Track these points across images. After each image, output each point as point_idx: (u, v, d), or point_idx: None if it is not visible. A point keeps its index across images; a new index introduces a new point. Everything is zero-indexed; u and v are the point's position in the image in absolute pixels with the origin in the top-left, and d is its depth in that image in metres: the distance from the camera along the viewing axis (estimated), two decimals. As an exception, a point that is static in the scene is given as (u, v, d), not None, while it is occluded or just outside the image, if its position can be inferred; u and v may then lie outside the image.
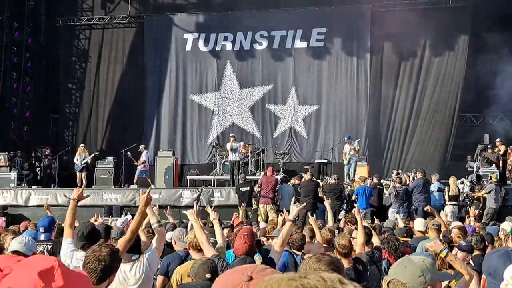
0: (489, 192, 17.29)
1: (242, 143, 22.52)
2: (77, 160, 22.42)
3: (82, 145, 23.46)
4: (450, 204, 17.66)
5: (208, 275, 4.31)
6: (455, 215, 17.16)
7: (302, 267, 3.42)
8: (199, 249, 5.74)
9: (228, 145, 21.70)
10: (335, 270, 3.10)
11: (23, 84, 25.91)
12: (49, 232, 7.17)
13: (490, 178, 18.30)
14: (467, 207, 17.40)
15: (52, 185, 22.58)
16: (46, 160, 23.86)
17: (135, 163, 21.99)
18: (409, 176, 19.42)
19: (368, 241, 7.43)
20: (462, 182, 18.66)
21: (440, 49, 24.20)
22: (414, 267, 2.97)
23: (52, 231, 7.26)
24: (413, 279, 2.93)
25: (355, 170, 20.57)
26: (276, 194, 17.84)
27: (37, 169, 24.59)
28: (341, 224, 11.30)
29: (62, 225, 6.38)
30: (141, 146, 22.62)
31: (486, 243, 7.41)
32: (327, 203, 11.60)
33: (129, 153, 22.17)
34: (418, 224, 9.75)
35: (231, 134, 22.46)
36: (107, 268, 3.81)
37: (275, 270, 1.53)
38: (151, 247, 5.46)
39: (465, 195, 18.06)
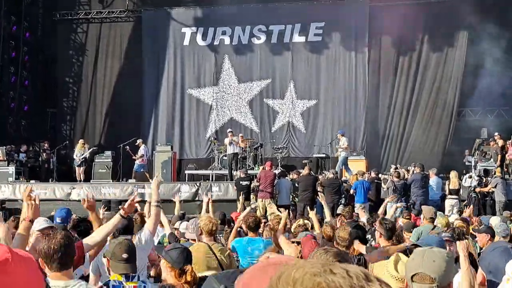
0: (496, 186, 17.41)
1: (240, 135, 22.57)
2: (77, 155, 22.40)
3: (82, 140, 23.41)
4: (450, 198, 17.69)
5: (125, 255, 4.02)
6: (456, 208, 17.19)
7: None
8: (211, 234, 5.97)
9: (227, 140, 21.72)
10: (342, 262, 3.09)
11: (20, 79, 25.86)
12: (65, 223, 7.25)
13: (495, 173, 18.37)
14: (470, 203, 17.49)
15: (50, 180, 22.54)
16: (44, 154, 23.82)
17: (133, 157, 21.97)
18: (408, 171, 19.43)
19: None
20: (470, 177, 18.67)
21: (439, 44, 24.19)
22: (441, 261, 2.93)
23: (68, 223, 7.35)
24: (441, 274, 2.90)
25: (342, 164, 20.59)
26: (274, 188, 17.86)
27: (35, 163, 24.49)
28: (338, 223, 11.25)
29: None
30: (139, 141, 22.58)
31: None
32: (322, 198, 11.66)
33: (127, 147, 22.14)
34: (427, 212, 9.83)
35: (228, 130, 22.47)
36: (64, 254, 3.70)
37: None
38: (143, 228, 5.50)
39: (472, 189, 18.07)
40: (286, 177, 18.80)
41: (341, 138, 21.17)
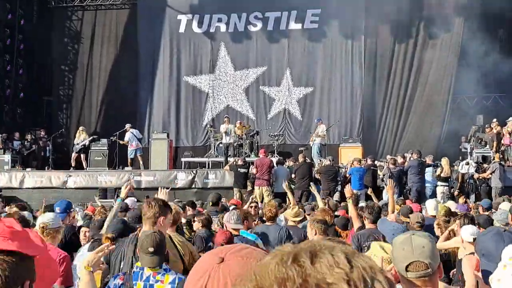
0: (493, 172, 17.48)
1: (238, 122, 22.59)
2: (76, 142, 22.37)
3: (82, 127, 23.36)
4: (441, 185, 17.76)
5: (150, 249, 4.20)
6: (446, 195, 17.26)
7: None
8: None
9: (222, 127, 21.72)
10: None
11: (16, 66, 25.75)
12: (64, 213, 7.49)
13: (493, 158, 18.42)
14: (468, 189, 17.58)
15: (46, 168, 22.52)
16: (40, 142, 23.78)
17: (122, 143, 21.93)
18: (404, 157, 19.47)
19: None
20: (467, 163, 18.72)
21: (435, 31, 24.12)
22: (430, 245, 2.96)
23: (66, 214, 7.58)
24: (433, 258, 2.93)
25: (317, 153, 20.68)
26: (272, 175, 17.90)
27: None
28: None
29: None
30: (127, 125, 22.42)
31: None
32: (313, 189, 11.81)
33: (113, 137, 22.06)
34: (430, 207, 9.67)
35: (225, 116, 22.49)
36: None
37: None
38: None
39: (470, 175, 18.13)
40: (284, 165, 18.85)
41: (320, 125, 21.30)
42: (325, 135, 21.56)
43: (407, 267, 2.88)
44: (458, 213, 9.57)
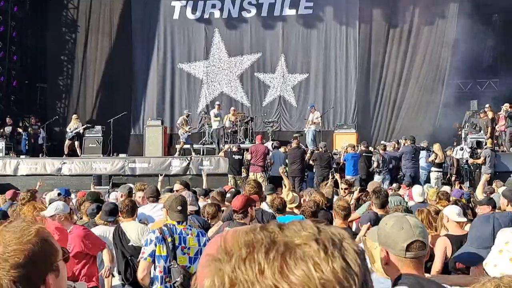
0: (485, 158, 17.53)
1: (232, 108, 22.59)
2: (70, 129, 22.32)
3: (75, 115, 23.30)
4: (435, 171, 17.80)
5: (179, 208, 5.46)
6: (440, 181, 17.32)
7: None
8: None
9: (212, 113, 21.67)
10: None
11: (9, 53, 25.59)
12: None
13: (485, 144, 18.46)
14: (462, 174, 17.64)
15: (40, 155, 22.47)
16: (31, 129, 23.72)
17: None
18: (398, 143, 19.51)
19: None
20: (462, 149, 18.76)
21: (429, 16, 24.07)
22: (423, 227, 2.98)
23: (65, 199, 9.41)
24: (426, 237, 2.95)
25: (312, 139, 20.69)
26: (266, 162, 17.93)
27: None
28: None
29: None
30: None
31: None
32: (282, 171, 12.00)
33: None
34: (416, 193, 9.24)
35: (216, 102, 22.45)
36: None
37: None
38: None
39: (465, 161, 18.17)
40: (280, 149, 18.91)
41: (314, 112, 21.30)
42: (320, 121, 21.57)
43: (408, 246, 2.85)
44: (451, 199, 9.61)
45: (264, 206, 9.58)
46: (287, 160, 18.16)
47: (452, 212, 5.83)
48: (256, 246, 0.94)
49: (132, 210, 6.98)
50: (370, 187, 9.68)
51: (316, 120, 21.20)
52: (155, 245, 5.36)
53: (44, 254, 1.71)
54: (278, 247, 0.93)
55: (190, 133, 21.85)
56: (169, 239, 5.34)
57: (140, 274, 5.39)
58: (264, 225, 1.00)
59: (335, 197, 9.66)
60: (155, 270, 5.38)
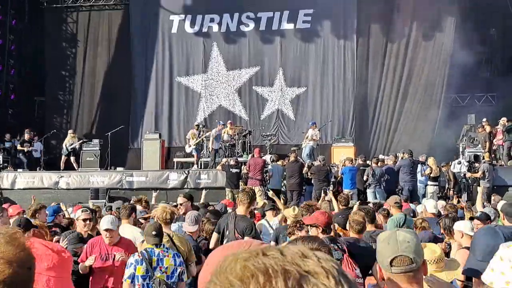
0: (483, 172, 17.52)
1: (229, 122, 22.59)
2: (65, 145, 22.28)
3: (71, 131, 23.29)
4: (431, 185, 17.79)
5: (154, 232, 6.22)
6: (436, 195, 17.30)
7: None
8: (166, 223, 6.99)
9: (214, 132, 21.54)
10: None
11: (7, 67, 25.62)
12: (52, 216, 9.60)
13: (483, 158, 18.45)
14: (460, 188, 17.62)
15: (38, 168, 22.41)
16: (24, 144, 23.66)
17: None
18: (396, 157, 19.51)
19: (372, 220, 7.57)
20: (459, 163, 18.75)
21: (427, 31, 24.16)
22: (414, 241, 2.94)
23: (54, 217, 9.60)
24: (417, 253, 2.90)
25: (308, 155, 20.68)
26: (265, 175, 17.90)
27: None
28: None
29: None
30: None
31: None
32: (273, 196, 11.98)
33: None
34: (430, 206, 9.79)
35: (221, 122, 22.21)
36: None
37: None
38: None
39: (462, 175, 18.16)
40: (279, 162, 18.91)
41: (314, 129, 21.31)
42: (318, 139, 21.60)
43: (391, 261, 2.83)
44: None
45: (264, 222, 9.55)
46: (285, 173, 18.16)
47: (466, 227, 6.16)
48: (271, 274, 0.95)
49: (129, 212, 7.88)
50: (390, 201, 9.84)
51: (315, 137, 21.21)
52: (135, 268, 6.09)
53: (30, 263, 1.69)
54: (294, 275, 0.95)
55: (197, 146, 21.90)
56: (148, 261, 6.11)
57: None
58: (263, 250, 1.01)
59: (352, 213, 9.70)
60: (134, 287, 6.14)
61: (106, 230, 6.65)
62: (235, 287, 0.95)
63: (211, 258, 1.69)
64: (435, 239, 6.63)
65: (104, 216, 7.41)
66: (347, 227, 6.58)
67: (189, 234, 7.50)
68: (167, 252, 6.27)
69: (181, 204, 9.14)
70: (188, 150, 22.15)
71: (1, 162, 21.61)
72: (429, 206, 9.78)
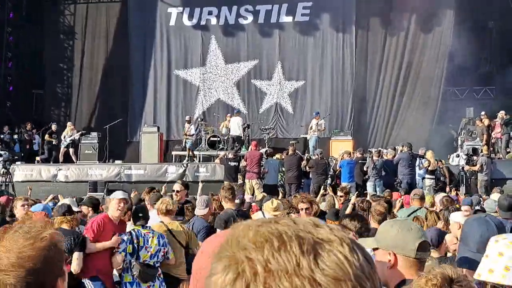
0: (482, 165, 17.56)
1: (228, 115, 22.64)
2: (64, 137, 22.27)
3: (70, 123, 23.28)
4: (428, 178, 17.81)
5: (140, 214, 6.95)
6: (432, 188, 17.32)
7: None
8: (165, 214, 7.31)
9: (235, 119, 21.82)
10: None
11: (5, 59, 25.56)
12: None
13: (481, 151, 18.46)
14: (461, 181, 17.65)
15: (35, 161, 22.40)
16: (26, 135, 23.66)
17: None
18: (395, 149, 19.52)
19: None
20: (458, 156, 18.76)
21: (426, 24, 24.11)
22: (416, 228, 3.04)
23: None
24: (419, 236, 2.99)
25: (314, 147, 20.69)
26: (262, 168, 17.90)
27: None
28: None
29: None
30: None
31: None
32: (257, 192, 11.99)
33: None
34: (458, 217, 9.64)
35: (237, 110, 22.81)
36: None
37: None
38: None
39: (461, 168, 18.18)
40: (274, 157, 18.88)
41: (318, 120, 21.32)
42: (325, 129, 21.58)
43: (418, 246, 2.90)
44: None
45: (260, 214, 9.54)
46: (283, 168, 18.16)
47: (464, 219, 6.14)
48: (286, 239, 0.95)
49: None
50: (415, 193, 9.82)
51: (320, 128, 21.20)
52: (126, 244, 6.76)
53: (56, 259, 1.75)
54: (309, 240, 0.95)
55: (191, 139, 21.93)
56: (135, 241, 6.77)
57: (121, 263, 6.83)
58: (275, 219, 1.01)
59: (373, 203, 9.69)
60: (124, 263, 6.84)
61: (121, 199, 6.89)
62: (249, 249, 0.95)
63: (206, 245, 1.70)
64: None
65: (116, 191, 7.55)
66: (369, 217, 6.68)
67: (201, 217, 7.83)
68: (152, 233, 6.84)
69: (178, 192, 9.12)
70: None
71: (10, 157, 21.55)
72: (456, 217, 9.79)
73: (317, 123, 21.27)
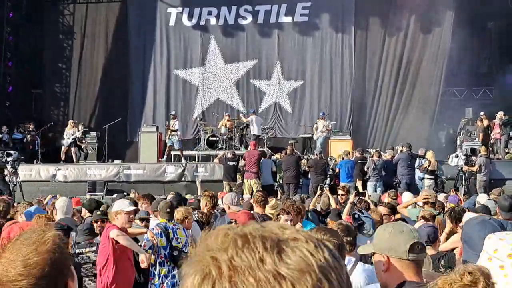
0: (480, 165, 17.56)
1: (227, 114, 22.63)
2: (66, 135, 22.27)
3: (71, 120, 23.27)
4: (427, 178, 17.81)
5: (168, 210, 7.21)
6: (432, 188, 17.31)
7: None
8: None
9: (252, 118, 21.85)
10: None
11: (5, 59, 25.54)
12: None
13: (479, 152, 18.45)
14: (460, 181, 17.64)
15: (35, 161, 22.40)
16: (29, 136, 23.64)
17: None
18: (393, 149, 19.52)
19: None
20: (457, 156, 18.76)
21: (425, 24, 24.10)
22: (408, 230, 3.07)
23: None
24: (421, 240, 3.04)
25: (320, 145, 20.69)
26: (260, 168, 17.90)
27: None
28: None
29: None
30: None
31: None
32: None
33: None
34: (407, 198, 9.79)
35: (252, 110, 22.95)
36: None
37: None
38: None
39: (459, 168, 18.17)
40: (268, 157, 18.89)
41: (326, 120, 21.30)
42: (328, 128, 21.56)
43: (410, 248, 2.91)
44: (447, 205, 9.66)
45: (254, 214, 9.59)
46: (275, 167, 18.21)
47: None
48: (250, 237, 0.99)
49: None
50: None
51: (328, 128, 21.21)
52: (156, 238, 6.93)
53: (63, 259, 1.74)
54: (273, 238, 0.99)
55: (175, 134, 21.81)
56: (166, 233, 7.02)
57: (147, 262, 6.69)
58: (244, 224, 1.05)
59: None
60: (157, 257, 6.98)
61: (131, 211, 6.73)
62: (214, 250, 0.98)
63: None
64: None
65: (119, 200, 7.51)
66: None
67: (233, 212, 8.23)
68: (177, 225, 7.18)
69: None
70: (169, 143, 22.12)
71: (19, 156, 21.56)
72: (405, 198, 9.78)
73: (324, 124, 21.18)
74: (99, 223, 7.60)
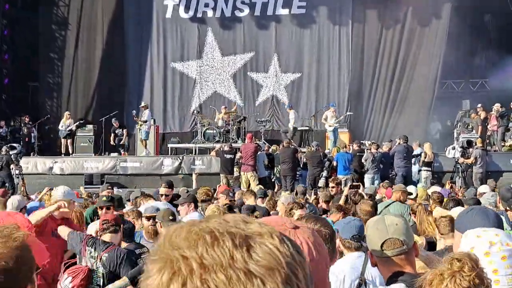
0: (476, 157, 17.58)
1: (223, 107, 22.60)
2: (62, 126, 22.23)
3: (67, 112, 23.23)
4: (424, 170, 17.83)
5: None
6: (429, 180, 17.34)
7: None
8: None
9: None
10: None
11: (1, 52, 25.47)
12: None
13: (475, 144, 18.47)
14: (457, 173, 17.67)
15: (31, 154, 22.37)
16: (25, 128, 23.60)
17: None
18: (391, 141, 19.54)
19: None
20: (454, 148, 18.78)
21: (422, 16, 24.06)
22: (403, 223, 3.02)
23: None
24: (407, 235, 2.97)
25: (335, 136, 20.63)
26: (256, 161, 17.91)
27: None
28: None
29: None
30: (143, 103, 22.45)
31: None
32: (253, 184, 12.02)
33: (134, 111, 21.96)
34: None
35: (289, 105, 22.99)
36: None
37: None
38: None
39: (456, 160, 18.19)
40: (261, 151, 18.93)
41: (333, 111, 21.09)
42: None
43: (382, 245, 2.91)
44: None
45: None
46: (267, 160, 18.27)
47: None
48: (218, 234, 0.98)
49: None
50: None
51: (339, 118, 21.11)
52: None
53: (28, 261, 1.70)
54: (241, 234, 0.99)
55: (144, 125, 21.58)
56: None
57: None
58: (205, 219, 1.05)
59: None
60: None
61: (152, 216, 6.98)
62: (183, 248, 0.97)
63: None
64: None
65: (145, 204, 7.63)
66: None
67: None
68: None
69: (167, 196, 8.95)
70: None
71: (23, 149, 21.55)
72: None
73: (336, 116, 20.97)
74: (104, 210, 7.44)
